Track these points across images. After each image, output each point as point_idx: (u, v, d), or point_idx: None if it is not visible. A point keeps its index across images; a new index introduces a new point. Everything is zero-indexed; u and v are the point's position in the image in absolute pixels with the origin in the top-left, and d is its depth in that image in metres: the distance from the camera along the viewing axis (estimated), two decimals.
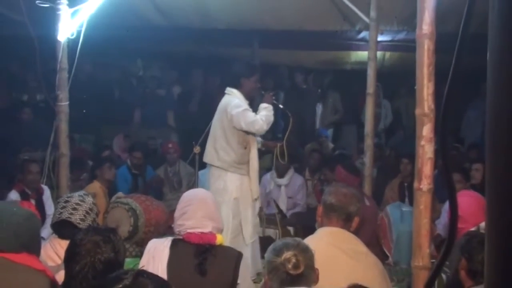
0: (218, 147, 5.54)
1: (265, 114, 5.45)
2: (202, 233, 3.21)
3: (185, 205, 3.35)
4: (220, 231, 3.37)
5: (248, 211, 5.62)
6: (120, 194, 6.49)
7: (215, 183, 5.60)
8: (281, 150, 6.02)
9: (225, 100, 5.59)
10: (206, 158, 5.71)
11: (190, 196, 3.46)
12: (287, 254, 2.57)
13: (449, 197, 0.97)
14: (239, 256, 3.25)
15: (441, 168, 1.04)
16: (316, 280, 2.65)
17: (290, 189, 7.49)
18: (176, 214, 3.37)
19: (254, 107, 5.61)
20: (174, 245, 3.23)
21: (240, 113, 5.35)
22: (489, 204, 0.78)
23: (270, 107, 5.55)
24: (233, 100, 5.48)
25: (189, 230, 3.23)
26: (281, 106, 5.90)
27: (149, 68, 11.80)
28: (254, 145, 5.63)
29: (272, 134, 6.95)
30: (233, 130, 5.45)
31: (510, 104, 0.73)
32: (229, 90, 5.61)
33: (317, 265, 2.67)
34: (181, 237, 3.24)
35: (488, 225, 0.79)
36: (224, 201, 5.38)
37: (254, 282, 3.95)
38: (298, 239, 2.78)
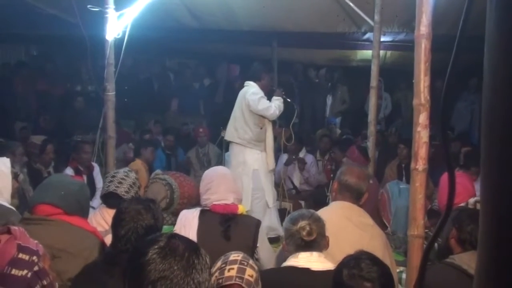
0: (237, 126, 5.64)
1: (277, 103, 5.63)
2: (226, 204, 3.23)
3: (208, 181, 3.36)
4: (240, 201, 3.37)
5: (267, 179, 5.71)
6: (158, 171, 6.54)
7: (236, 157, 5.70)
8: (286, 134, 6.26)
9: (244, 89, 5.72)
10: (227, 136, 5.82)
11: (211, 173, 3.46)
12: (302, 223, 2.59)
13: (448, 176, 0.95)
14: (258, 223, 3.26)
15: (443, 152, 1.01)
16: (326, 246, 2.65)
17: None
18: (201, 190, 3.38)
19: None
20: (202, 215, 3.24)
21: (256, 99, 5.50)
22: (484, 174, 0.77)
23: (281, 99, 5.71)
24: (251, 88, 5.61)
25: (214, 202, 3.24)
26: (288, 99, 5.94)
27: (184, 64, 11.80)
28: (269, 126, 5.73)
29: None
30: (250, 113, 5.56)
31: (504, 92, 0.71)
32: (247, 82, 5.74)
33: (330, 233, 2.67)
34: (208, 208, 3.26)
35: (483, 194, 0.78)
36: (244, 172, 5.48)
37: (274, 247, 3.94)
38: (311, 210, 2.78)
